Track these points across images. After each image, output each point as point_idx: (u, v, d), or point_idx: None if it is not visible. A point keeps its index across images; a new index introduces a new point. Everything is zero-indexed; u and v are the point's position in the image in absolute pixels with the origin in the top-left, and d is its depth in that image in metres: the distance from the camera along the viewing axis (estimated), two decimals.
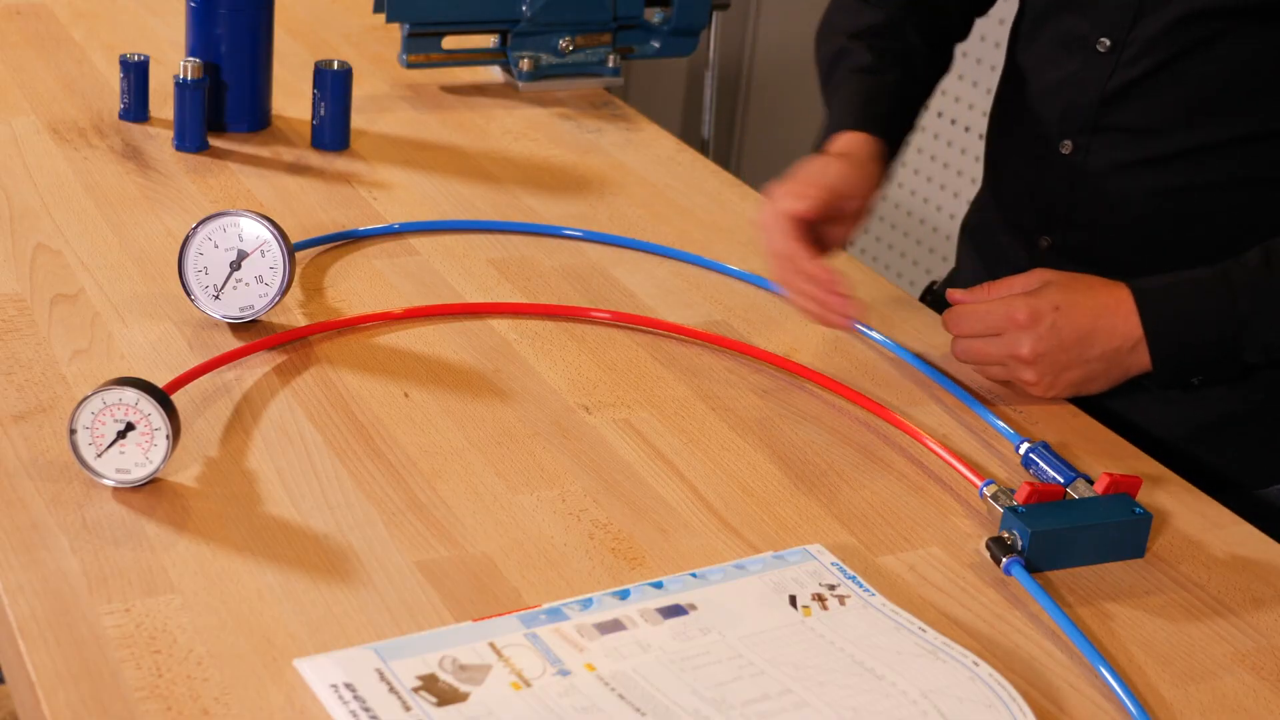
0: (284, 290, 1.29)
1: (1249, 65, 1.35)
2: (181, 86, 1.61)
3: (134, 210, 1.50)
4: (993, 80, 2.51)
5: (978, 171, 2.24)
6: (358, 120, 1.73)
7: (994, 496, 1.13)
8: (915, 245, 2.90)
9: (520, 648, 0.96)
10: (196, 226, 1.28)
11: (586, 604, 1.00)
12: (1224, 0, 1.33)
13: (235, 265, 1.29)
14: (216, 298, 1.29)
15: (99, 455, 1.08)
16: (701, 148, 2.11)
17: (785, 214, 1.33)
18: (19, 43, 1.88)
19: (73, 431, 1.08)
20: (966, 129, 2.75)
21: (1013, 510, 1.11)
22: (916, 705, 0.94)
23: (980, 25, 2.74)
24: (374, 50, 1.97)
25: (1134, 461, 1.26)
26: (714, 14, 2.00)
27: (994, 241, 1.56)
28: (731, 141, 3.22)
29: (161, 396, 1.09)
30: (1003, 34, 1.97)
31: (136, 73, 1.68)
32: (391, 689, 0.91)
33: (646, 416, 1.25)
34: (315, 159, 1.66)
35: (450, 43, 1.88)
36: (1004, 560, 1.09)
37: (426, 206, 1.57)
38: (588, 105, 1.87)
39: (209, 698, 0.91)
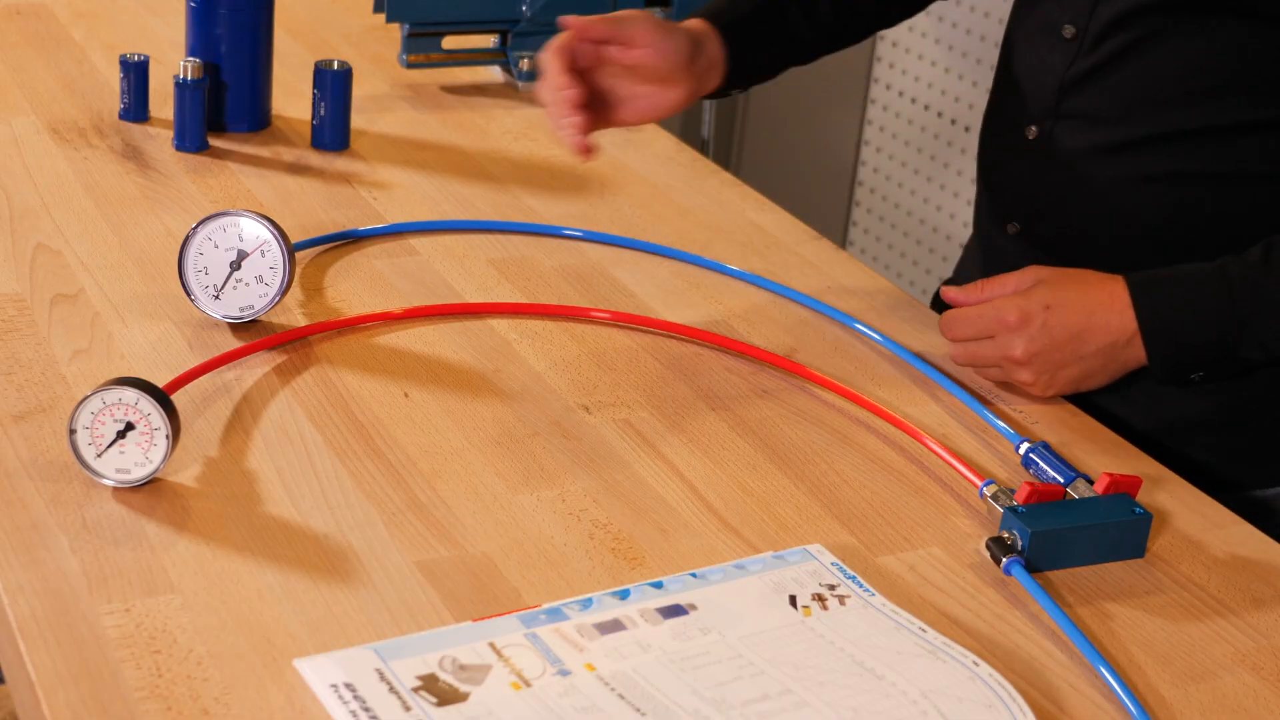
0: (284, 290, 1.29)
1: (1197, 59, 1.34)
2: (181, 86, 1.62)
3: (134, 210, 1.50)
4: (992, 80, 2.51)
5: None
6: (358, 120, 1.73)
7: (994, 496, 1.13)
8: (915, 245, 2.90)
9: (520, 648, 0.96)
10: (196, 226, 1.28)
11: (586, 604, 1.00)
12: None
13: (235, 265, 1.29)
14: (216, 298, 1.29)
15: (99, 455, 1.08)
16: (701, 148, 2.11)
17: (561, 40, 1.34)
18: (19, 43, 1.88)
19: (73, 431, 1.08)
20: (967, 129, 2.75)
21: (1013, 510, 1.11)
22: (916, 705, 0.94)
23: (980, 25, 2.74)
24: (374, 50, 1.97)
25: (1134, 461, 1.26)
26: None
27: (982, 231, 1.56)
28: (731, 141, 3.22)
29: (161, 396, 1.09)
30: (1001, 33, 1.97)
31: (136, 73, 1.68)
32: (391, 689, 0.91)
33: (646, 416, 1.25)
34: (315, 159, 1.66)
35: (450, 43, 1.88)
36: (1004, 560, 1.09)
37: (426, 206, 1.57)
38: None
39: (209, 698, 0.91)
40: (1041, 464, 1.18)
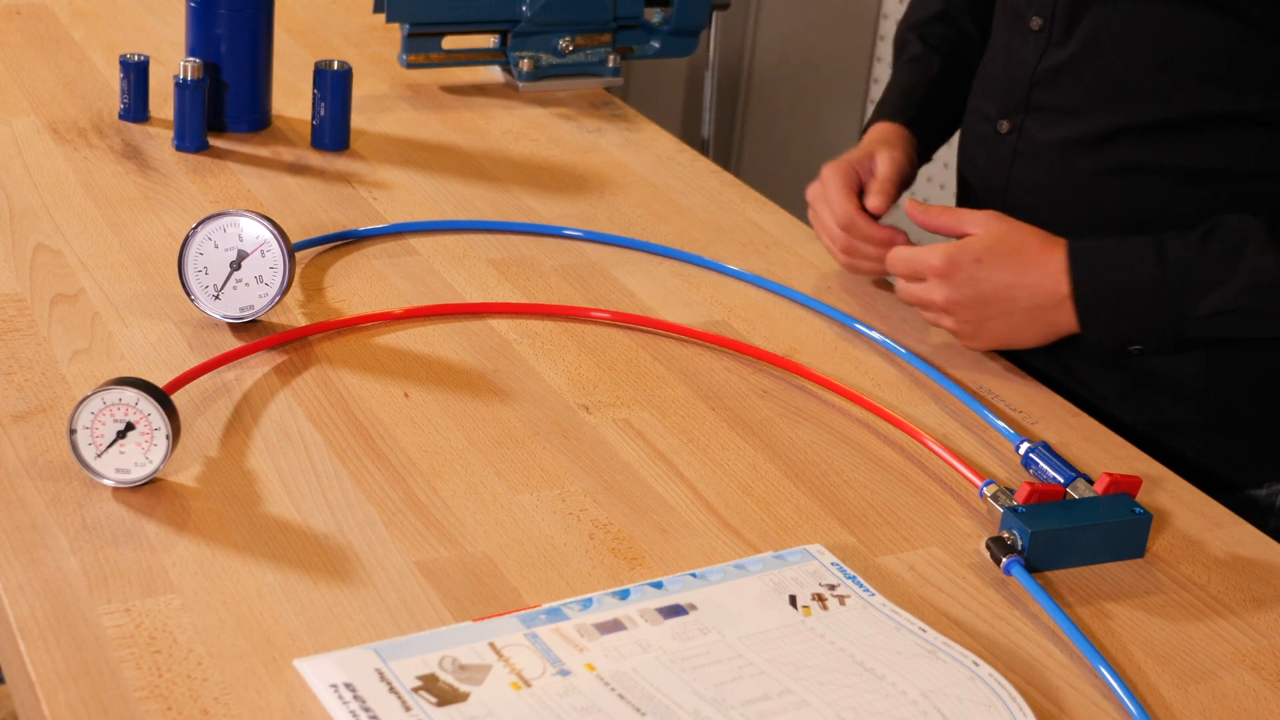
0: (284, 290, 1.29)
1: (1165, 50, 1.34)
2: (181, 86, 1.62)
3: (134, 210, 1.50)
4: None
5: None
6: (358, 120, 1.73)
7: (994, 496, 1.13)
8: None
9: (520, 648, 0.96)
10: (196, 226, 1.28)
11: (586, 604, 1.00)
12: None
13: (235, 265, 1.29)
14: (216, 298, 1.29)
15: (99, 455, 1.08)
16: (701, 148, 2.11)
17: (842, 186, 1.45)
18: (19, 43, 1.88)
19: (73, 431, 1.08)
20: None
21: (1013, 510, 1.11)
22: (916, 705, 0.94)
23: None
24: (374, 50, 1.97)
25: (1134, 461, 1.26)
26: (714, 14, 2.00)
27: None
28: (731, 141, 3.22)
29: (161, 396, 1.09)
30: None
31: (136, 73, 1.68)
32: (391, 689, 0.91)
33: (646, 416, 1.25)
34: (315, 159, 1.66)
35: (450, 43, 1.88)
36: (1004, 560, 1.09)
37: (426, 206, 1.57)
38: (588, 105, 1.87)
39: (209, 698, 0.91)
40: (1041, 464, 1.18)
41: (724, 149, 3.21)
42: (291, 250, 1.30)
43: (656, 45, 1.94)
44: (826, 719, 0.92)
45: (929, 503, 1.17)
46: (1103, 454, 1.27)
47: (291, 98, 1.78)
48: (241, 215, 1.29)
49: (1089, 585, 1.10)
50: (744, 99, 3.20)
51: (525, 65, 1.87)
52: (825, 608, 1.02)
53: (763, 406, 1.28)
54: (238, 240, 1.28)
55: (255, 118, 1.70)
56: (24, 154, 1.59)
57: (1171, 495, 1.22)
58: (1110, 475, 1.14)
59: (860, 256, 1.45)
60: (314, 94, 1.66)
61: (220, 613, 0.98)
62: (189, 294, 1.29)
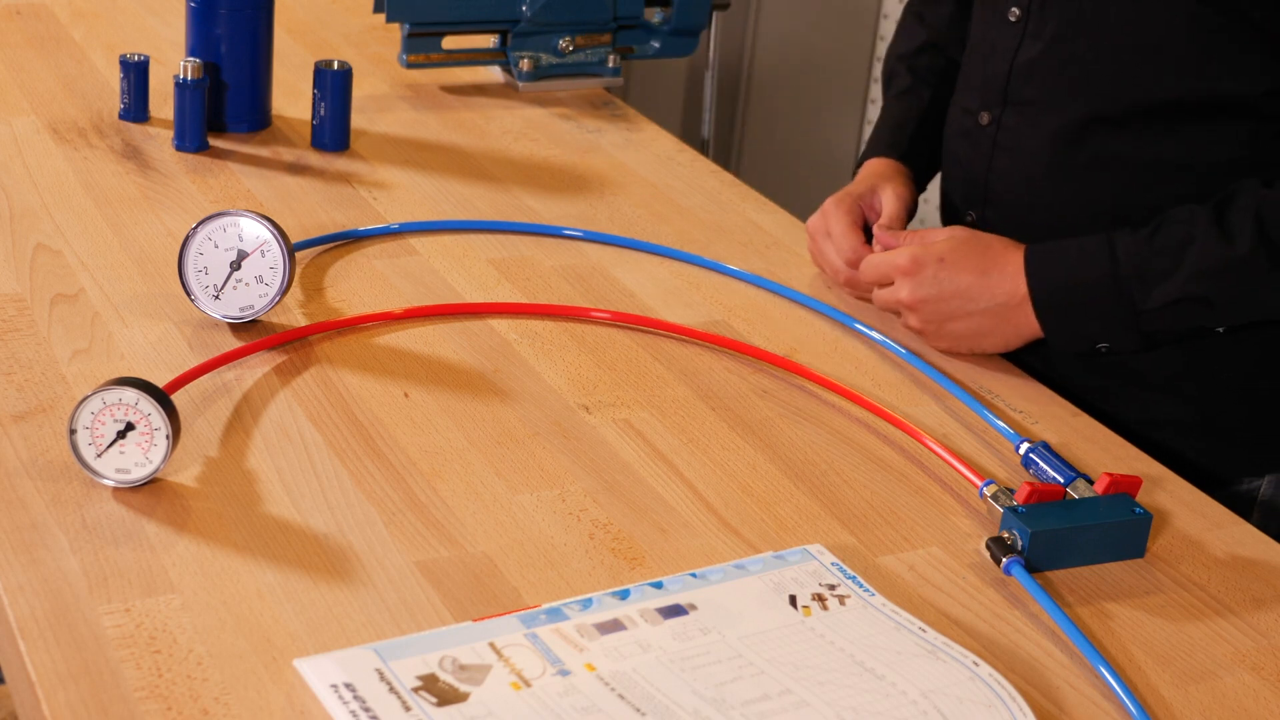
0: (284, 290, 1.29)
1: (1142, 40, 1.34)
2: (181, 86, 1.62)
3: (134, 210, 1.50)
4: None
5: None
6: (358, 120, 1.73)
7: (994, 496, 1.13)
8: None
9: (520, 648, 0.96)
10: (196, 226, 1.28)
11: (586, 604, 1.00)
12: None
13: (235, 265, 1.29)
14: (216, 298, 1.29)
15: (99, 455, 1.08)
16: (701, 148, 2.11)
17: (848, 223, 1.46)
18: (19, 43, 1.88)
19: (73, 431, 1.08)
20: None
21: (1013, 510, 1.11)
22: (916, 705, 0.94)
23: None
24: (374, 50, 1.97)
25: (1134, 461, 1.26)
26: (714, 14, 2.00)
27: (946, 222, 1.57)
28: (731, 141, 3.22)
29: (161, 396, 1.09)
30: None
31: (136, 73, 1.68)
32: (391, 689, 0.91)
33: (646, 416, 1.25)
34: (315, 159, 1.66)
35: (450, 43, 1.88)
36: (1004, 560, 1.09)
37: (426, 206, 1.57)
38: (588, 105, 1.87)
39: (209, 698, 0.91)
40: (1041, 464, 1.18)
41: (724, 149, 3.21)
42: (291, 250, 1.30)
43: (656, 45, 1.94)
44: (826, 719, 0.92)
45: (929, 503, 1.17)
46: (1103, 454, 1.27)
47: (291, 98, 1.78)
48: (241, 215, 1.29)
49: (1089, 585, 1.10)
50: (744, 99, 3.20)
51: (525, 65, 1.87)
52: (825, 608, 1.02)
53: (763, 406, 1.28)
54: (238, 240, 1.28)
55: (255, 118, 1.70)
56: (24, 154, 1.59)
57: (1171, 495, 1.22)
58: (1110, 475, 1.14)
59: (865, 289, 1.46)
60: (314, 94, 1.66)
61: (220, 613, 0.98)
62: (189, 294, 1.29)
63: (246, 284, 1.29)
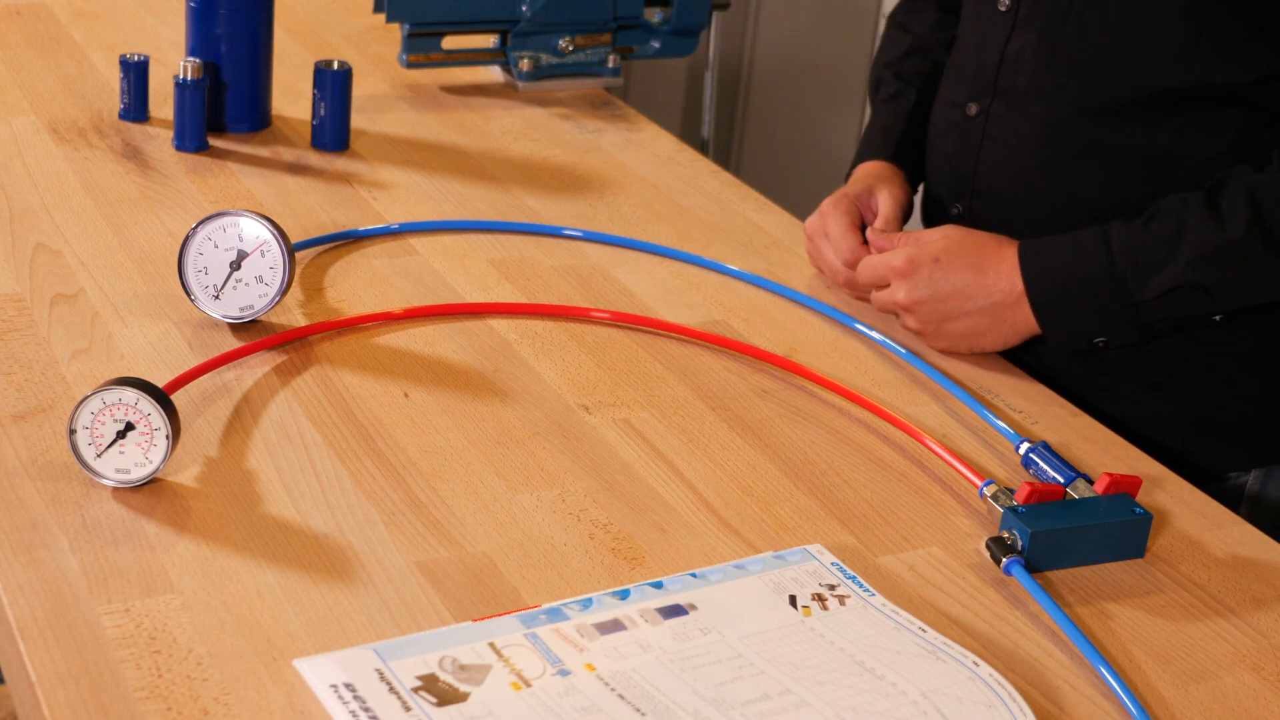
0: (284, 290, 1.29)
1: (1131, 27, 1.34)
2: (181, 86, 1.62)
3: (134, 210, 1.50)
4: None
5: None
6: (358, 120, 1.73)
7: (994, 496, 1.13)
8: None
9: (520, 648, 0.96)
10: (196, 226, 1.28)
11: (586, 604, 1.00)
12: None
13: (235, 265, 1.29)
14: (216, 298, 1.29)
15: (99, 455, 1.08)
16: (701, 148, 2.11)
17: (846, 224, 1.46)
18: (19, 43, 1.88)
19: (72, 431, 1.08)
20: None
21: (1013, 510, 1.11)
22: (916, 705, 0.94)
23: None
24: (374, 50, 1.97)
25: (1134, 461, 1.26)
26: (714, 14, 2.00)
27: (930, 216, 1.57)
28: (731, 141, 3.22)
29: (161, 396, 1.09)
30: None
31: (136, 73, 1.68)
32: (391, 689, 0.91)
33: (646, 416, 1.25)
34: (315, 159, 1.66)
35: (450, 43, 1.88)
36: (1004, 560, 1.09)
37: (426, 206, 1.57)
38: (588, 105, 1.87)
39: (209, 698, 0.91)
40: (1041, 464, 1.18)
41: (724, 149, 3.21)
42: (291, 250, 1.30)
43: (656, 45, 1.94)
44: (826, 719, 0.92)
45: (929, 503, 1.18)
46: (1103, 454, 1.27)
47: (291, 98, 1.78)
48: (241, 215, 1.29)
49: (1089, 585, 1.10)
50: (744, 99, 3.20)
51: (525, 65, 1.87)
52: (825, 608, 1.02)
53: (763, 406, 1.28)
54: (238, 240, 1.28)
55: (255, 118, 1.70)
56: (24, 154, 1.59)
57: (1171, 495, 1.22)
58: (1110, 475, 1.14)
59: (864, 289, 1.46)
60: (314, 94, 1.66)
61: (220, 613, 0.98)
62: (189, 294, 1.29)
63: (246, 284, 1.29)
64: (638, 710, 0.92)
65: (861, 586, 1.04)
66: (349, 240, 1.49)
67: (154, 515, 1.07)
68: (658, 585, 1.03)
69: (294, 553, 1.04)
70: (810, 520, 1.14)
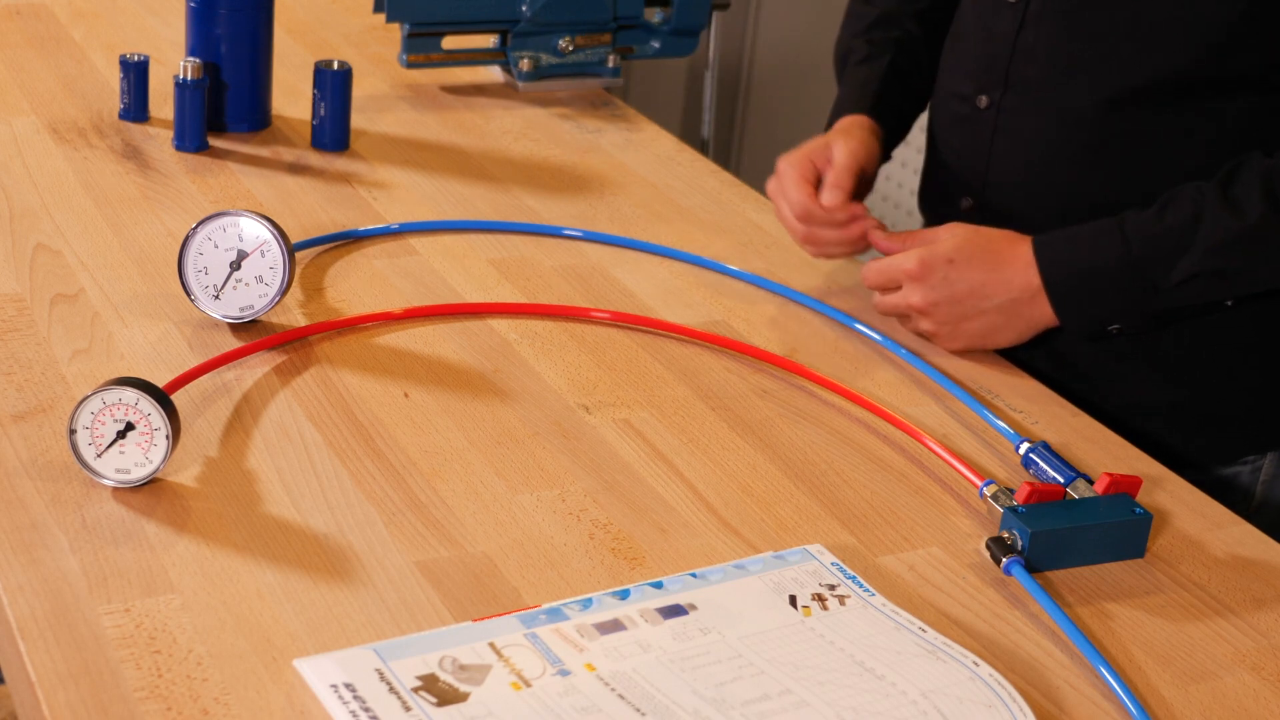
0: (284, 290, 1.29)
1: (1143, 15, 1.34)
2: (181, 86, 1.62)
3: (134, 210, 1.50)
4: None
5: None
6: (358, 120, 1.73)
7: (994, 496, 1.13)
8: None
9: (520, 648, 0.96)
10: (196, 226, 1.28)
11: (586, 604, 1.00)
12: None
13: (235, 265, 1.29)
14: (216, 298, 1.29)
15: (99, 455, 1.08)
16: (701, 148, 2.11)
17: (797, 178, 1.44)
18: (19, 43, 1.88)
19: (72, 431, 1.08)
20: None
21: (1013, 510, 1.11)
22: (916, 705, 0.94)
23: None
24: (374, 50, 1.97)
25: (1134, 461, 1.26)
26: (714, 14, 2.00)
27: (934, 210, 1.56)
28: (731, 141, 3.22)
29: (161, 396, 1.09)
30: None
31: (136, 73, 1.68)
32: (391, 689, 0.91)
33: (646, 416, 1.25)
34: (315, 159, 1.66)
35: (450, 43, 1.88)
36: (1004, 560, 1.09)
37: (426, 206, 1.57)
38: (588, 105, 1.87)
39: (209, 698, 0.91)
40: (1041, 464, 1.18)
41: (724, 149, 3.21)
42: (291, 250, 1.30)
43: (656, 45, 1.94)
44: (826, 719, 0.92)
45: (929, 503, 1.17)
46: (1103, 454, 1.27)
47: (291, 98, 1.78)
48: (241, 215, 1.29)
49: (1089, 585, 1.10)
50: (744, 99, 3.20)
51: (525, 65, 1.87)
52: (825, 608, 1.02)
53: (763, 406, 1.28)
54: (238, 240, 1.28)
55: (255, 118, 1.70)
56: (24, 154, 1.59)
57: (1171, 495, 1.22)
58: (1110, 475, 1.14)
59: (824, 243, 1.45)
60: (314, 94, 1.66)
61: (220, 613, 0.98)
62: (189, 294, 1.29)
63: (246, 284, 1.29)
64: (638, 710, 0.92)
65: (861, 586, 1.04)
66: (349, 240, 1.49)
67: (154, 515, 1.07)
68: (658, 585, 1.03)
69: (294, 553, 1.04)
70: (810, 520, 1.14)
